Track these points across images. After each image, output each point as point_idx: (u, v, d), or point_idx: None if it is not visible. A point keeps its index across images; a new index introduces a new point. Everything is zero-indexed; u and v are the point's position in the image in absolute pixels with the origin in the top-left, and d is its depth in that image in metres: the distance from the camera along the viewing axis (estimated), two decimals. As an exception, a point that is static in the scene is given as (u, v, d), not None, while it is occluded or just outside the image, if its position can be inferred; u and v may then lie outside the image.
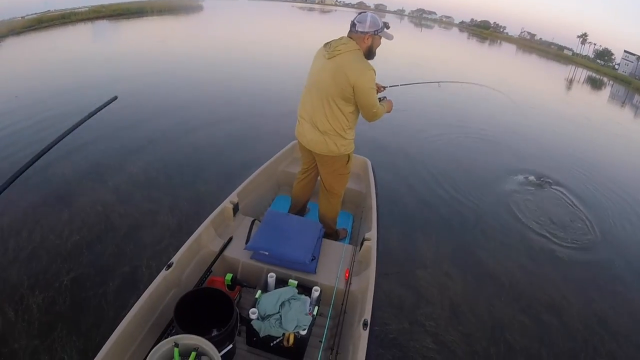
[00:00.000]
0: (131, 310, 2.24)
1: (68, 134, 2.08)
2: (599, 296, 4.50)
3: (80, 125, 2.17)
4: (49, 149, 1.93)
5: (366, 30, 2.91)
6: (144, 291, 2.38)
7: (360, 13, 3.00)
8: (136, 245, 3.77)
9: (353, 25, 2.94)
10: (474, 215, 5.60)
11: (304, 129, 3.20)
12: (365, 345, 2.31)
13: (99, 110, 2.39)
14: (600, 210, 6.71)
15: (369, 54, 3.00)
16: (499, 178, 7.10)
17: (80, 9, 21.18)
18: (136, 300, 2.30)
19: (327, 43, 3.01)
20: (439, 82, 4.83)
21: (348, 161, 3.32)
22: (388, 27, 3.01)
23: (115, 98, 2.50)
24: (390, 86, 3.72)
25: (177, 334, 2.03)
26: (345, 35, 2.99)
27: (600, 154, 10.86)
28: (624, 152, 12.50)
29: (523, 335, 3.64)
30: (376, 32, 2.94)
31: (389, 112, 3.40)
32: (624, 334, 4.02)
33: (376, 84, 3.38)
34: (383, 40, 3.02)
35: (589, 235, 5.75)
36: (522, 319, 3.84)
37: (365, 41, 2.94)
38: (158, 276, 2.52)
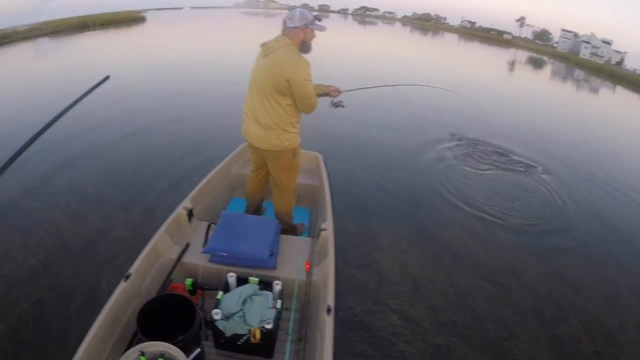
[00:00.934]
0: (92, 326, 2.20)
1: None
2: (556, 255, 4.73)
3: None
4: None
5: (296, 24, 3.00)
6: (103, 305, 2.35)
7: (290, 11, 3.10)
8: (94, 262, 3.68)
9: (284, 22, 3.04)
10: (425, 194, 5.78)
11: (249, 126, 3.26)
12: (332, 330, 2.37)
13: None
14: (546, 176, 7.09)
15: (304, 47, 3.10)
16: (444, 157, 7.35)
17: (19, 28, 20.38)
18: (96, 316, 2.26)
19: (264, 43, 3.09)
20: (393, 85, 4.92)
21: (294, 155, 3.38)
22: (320, 20, 3.09)
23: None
24: (346, 91, 3.79)
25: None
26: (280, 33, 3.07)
27: (545, 125, 11.50)
28: (567, 122, 13.16)
29: (486, 300, 3.78)
30: (306, 25, 3.02)
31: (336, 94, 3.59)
32: (584, 285, 4.25)
33: (332, 87, 3.57)
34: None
35: (540, 201, 6.07)
36: (483, 285, 3.98)
37: (298, 35, 3.03)
38: (117, 288, 2.49)
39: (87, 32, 23.29)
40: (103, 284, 3.41)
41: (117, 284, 2.54)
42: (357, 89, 4.16)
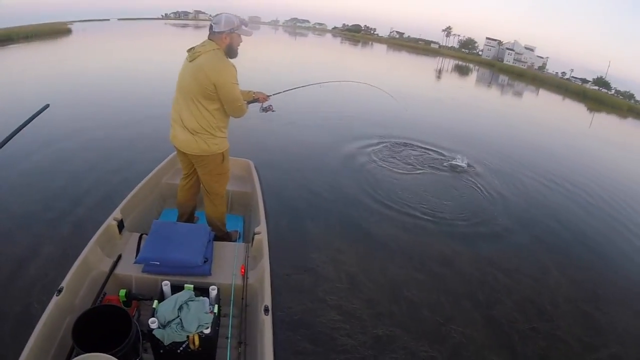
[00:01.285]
0: (27, 343, 2.14)
1: None
2: (486, 243, 5.01)
3: None
4: None
5: (222, 29, 3.02)
6: (37, 320, 2.28)
7: (216, 16, 3.08)
8: (24, 282, 3.46)
9: (210, 27, 3.05)
10: (355, 194, 5.89)
11: (176, 132, 3.24)
12: (271, 330, 2.40)
13: None
14: (472, 172, 7.51)
15: (230, 52, 3.12)
16: (373, 158, 7.58)
17: None
18: (31, 331, 2.20)
19: (191, 48, 3.09)
20: (320, 83, 5.02)
21: (223, 159, 3.39)
22: (246, 25, 3.12)
23: None
24: (273, 94, 3.83)
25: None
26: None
27: (470, 126, 12.22)
28: (491, 122, 14.02)
29: (421, 289, 3.92)
30: (232, 30, 3.05)
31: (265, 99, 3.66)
32: (514, 268, 4.53)
33: (260, 93, 3.61)
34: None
35: (467, 195, 6.42)
36: (417, 275, 4.14)
37: (224, 40, 3.05)
38: (50, 303, 2.41)
39: (11, 46, 22.24)
40: (35, 303, 3.23)
41: (40, 298, 2.46)
42: (284, 91, 4.21)
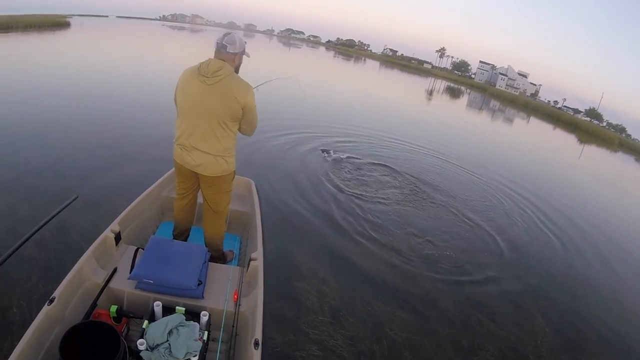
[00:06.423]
0: (14, 350, 2.14)
1: None
2: (470, 284, 5.03)
3: None
4: None
5: (237, 51, 3.09)
6: (25, 330, 2.29)
7: (226, 35, 3.11)
8: (4, 286, 3.42)
9: (223, 47, 3.04)
10: (341, 222, 5.86)
11: (193, 155, 3.19)
12: None
13: None
14: (460, 207, 7.56)
15: (236, 71, 3.18)
16: (361, 184, 7.68)
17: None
18: (17, 341, 2.20)
19: (200, 68, 3.03)
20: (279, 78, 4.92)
21: (233, 177, 3.47)
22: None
23: None
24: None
25: None
26: (213, 57, 3.09)
27: (461, 154, 12.24)
28: (481, 150, 14.15)
29: (404, 329, 3.92)
30: (243, 52, 3.16)
31: None
32: (498, 312, 4.57)
33: None
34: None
35: (454, 232, 6.45)
36: (401, 314, 4.14)
37: (235, 61, 3.13)
38: (40, 312, 2.42)
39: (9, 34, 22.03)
40: (14, 307, 3.17)
41: (29, 307, 2.48)
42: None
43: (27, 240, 2.38)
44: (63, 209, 2.66)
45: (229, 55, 3.06)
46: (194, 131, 3.12)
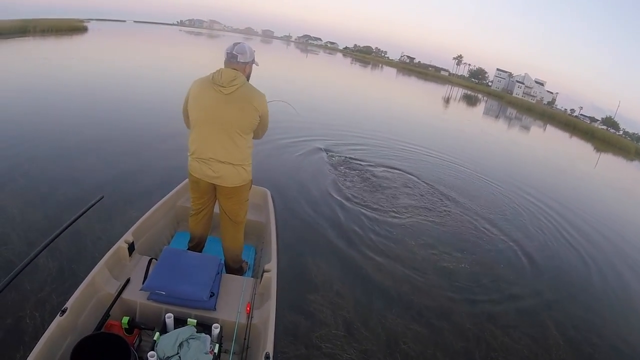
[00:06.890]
0: None
1: None
2: (484, 296, 4.94)
3: None
4: None
5: (247, 60, 3.11)
6: (37, 341, 2.28)
7: (235, 44, 3.11)
8: (18, 295, 3.42)
9: (234, 56, 3.05)
10: (355, 232, 5.80)
11: (212, 167, 3.16)
12: None
13: None
14: (478, 217, 7.46)
15: (247, 80, 3.17)
16: (374, 195, 7.59)
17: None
18: (30, 352, 2.20)
19: (214, 77, 3.00)
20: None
21: (250, 186, 3.47)
22: None
23: None
24: None
25: None
26: (223, 66, 3.09)
27: (480, 166, 12.05)
28: (498, 158, 13.93)
29: (417, 342, 3.87)
30: (253, 61, 3.18)
31: None
32: (513, 325, 4.47)
33: None
34: None
35: (469, 242, 6.38)
36: (414, 327, 4.08)
37: (247, 70, 3.14)
38: (52, 323, 2.42)
39: (26, 38, 22.34)
40: (27, 317, 3.17)
41: (41, 318, 2.48)
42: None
43: (54, 239, 2.43)
44: (89, 208, 2.67)
45: (239, 65, 3.07)
46: (212, 141, 3.09)
